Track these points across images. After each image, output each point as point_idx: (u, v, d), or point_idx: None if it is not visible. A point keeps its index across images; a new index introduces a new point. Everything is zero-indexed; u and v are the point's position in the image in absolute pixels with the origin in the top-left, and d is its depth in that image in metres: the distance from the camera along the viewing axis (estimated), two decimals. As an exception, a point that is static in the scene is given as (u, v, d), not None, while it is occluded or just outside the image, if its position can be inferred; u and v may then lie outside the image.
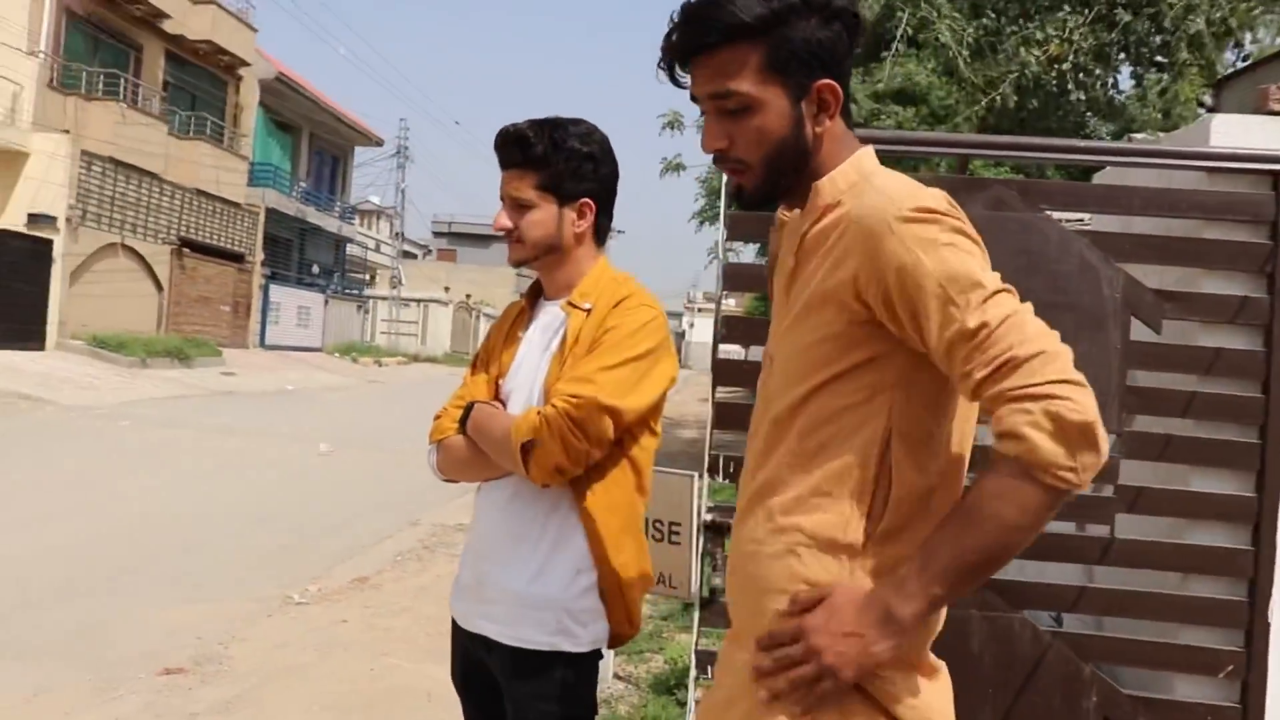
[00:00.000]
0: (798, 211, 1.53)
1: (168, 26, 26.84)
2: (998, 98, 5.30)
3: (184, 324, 27.09)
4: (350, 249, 41.92)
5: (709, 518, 2.64)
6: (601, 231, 2.22)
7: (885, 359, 1.42)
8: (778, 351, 1.54)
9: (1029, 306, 1.33)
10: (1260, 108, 2.70)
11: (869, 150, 1.51)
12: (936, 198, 1.39)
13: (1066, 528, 2.75)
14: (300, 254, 36.21)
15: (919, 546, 1.36)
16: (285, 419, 16.65)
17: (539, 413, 2.00)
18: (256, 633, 5.46)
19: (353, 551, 7.69)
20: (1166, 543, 2.64)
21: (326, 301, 37.29)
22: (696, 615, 2.66)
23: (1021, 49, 5.25)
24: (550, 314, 2.20)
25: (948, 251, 1.33)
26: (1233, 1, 5.21)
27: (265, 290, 32.23)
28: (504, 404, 2.18)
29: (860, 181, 1.45)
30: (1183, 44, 5.21)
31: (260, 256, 31.57)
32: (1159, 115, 5.78)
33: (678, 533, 4.15)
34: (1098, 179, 3.21)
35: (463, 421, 2.14)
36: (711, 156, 1.52)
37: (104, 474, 10.08)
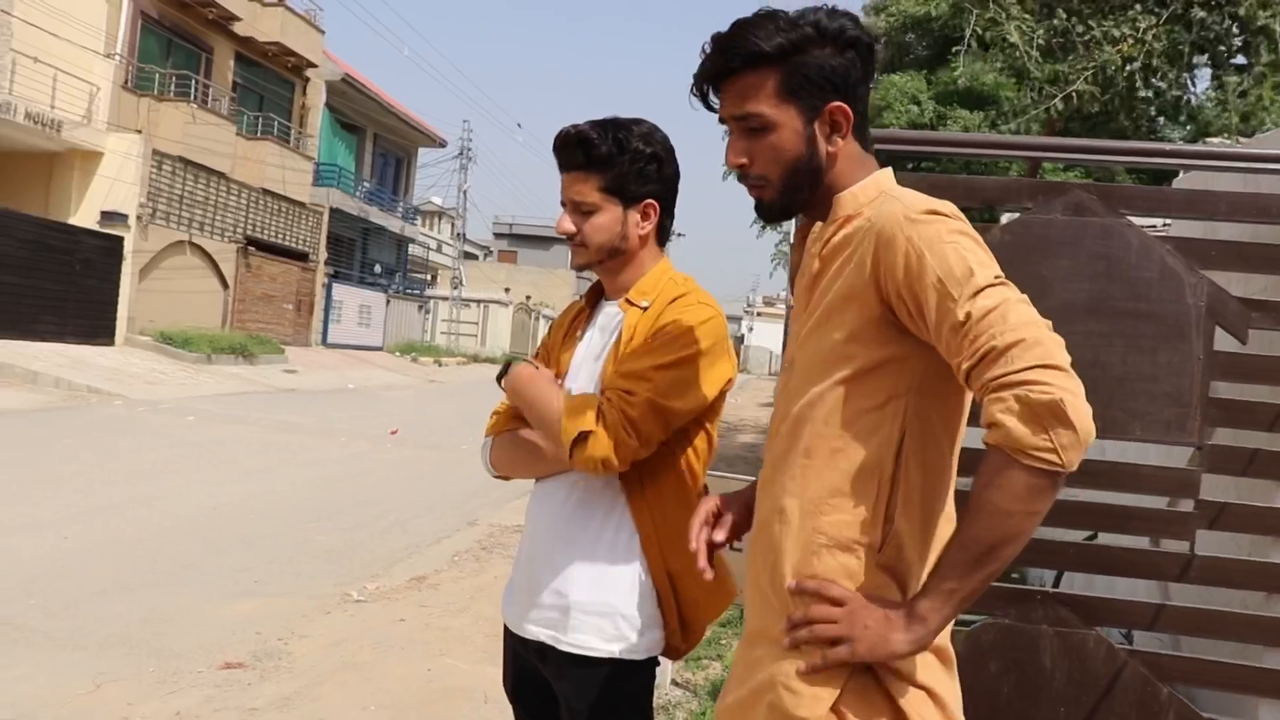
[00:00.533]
0: (819, 224, 1.62)
1: (238, 29, 27.36)
2: (1073, 95, 5.16)
3: (248, 321, 27.57)
4: (412, 249, 42.36)
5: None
6: (664, 232, 2.18)
7: (900, 363, 1.50)
8: (799, 355, 1.61)
9: (1022, 298, 1.39)
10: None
11: (888, 171, 1.64)
12: (945, 203, 1.49)
13: (1142, 542, 2.65)
14: (363, 253, 36.67)
15: (938, 560, 1.45)
16: (346, 416, 16.86)
17: (598, 405, 1.97)
18: (315, 629, 5.51)
19: (411, 551, 7.73)
20: (1250, 560, 2.53)
21: (388, 301, 37.68)
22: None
23: (1094, 48, 5.12)
24: (609, 314, 2.18)
25: (948, 248, 1.42)
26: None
27: (328, 289, 32.64)
28: None
29: (880, 195, 1.57)
30: (1263, 44, 5.04)
31: (324, 255, 32.00)
32: (1237, 119, 5.62)
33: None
34: (1178, 183, 3.10)
35: (500, 376, 2.14)
36: (735, 173, 1.65)
37: (169, 468, 10.27)
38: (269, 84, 29.92)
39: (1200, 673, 2.56)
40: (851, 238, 1.55)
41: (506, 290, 55.28)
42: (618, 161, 2.07)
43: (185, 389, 18.31)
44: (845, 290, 1.52)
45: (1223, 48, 5.40)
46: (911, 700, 1.50)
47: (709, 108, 1.66)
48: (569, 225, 2.12)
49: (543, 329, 61.28)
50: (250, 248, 27.76)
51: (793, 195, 1.60)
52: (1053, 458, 1.31)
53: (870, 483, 1.51)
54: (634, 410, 1.95)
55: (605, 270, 2.18)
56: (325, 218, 31.65)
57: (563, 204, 2.13)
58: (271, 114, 29.37)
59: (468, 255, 51.39)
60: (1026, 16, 5.25)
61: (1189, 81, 5.49)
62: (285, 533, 7.85)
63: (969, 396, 1.56)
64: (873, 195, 1.58)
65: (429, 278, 46.86)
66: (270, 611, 5.75)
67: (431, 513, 9.32)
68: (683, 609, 2.09)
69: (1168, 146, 2.77)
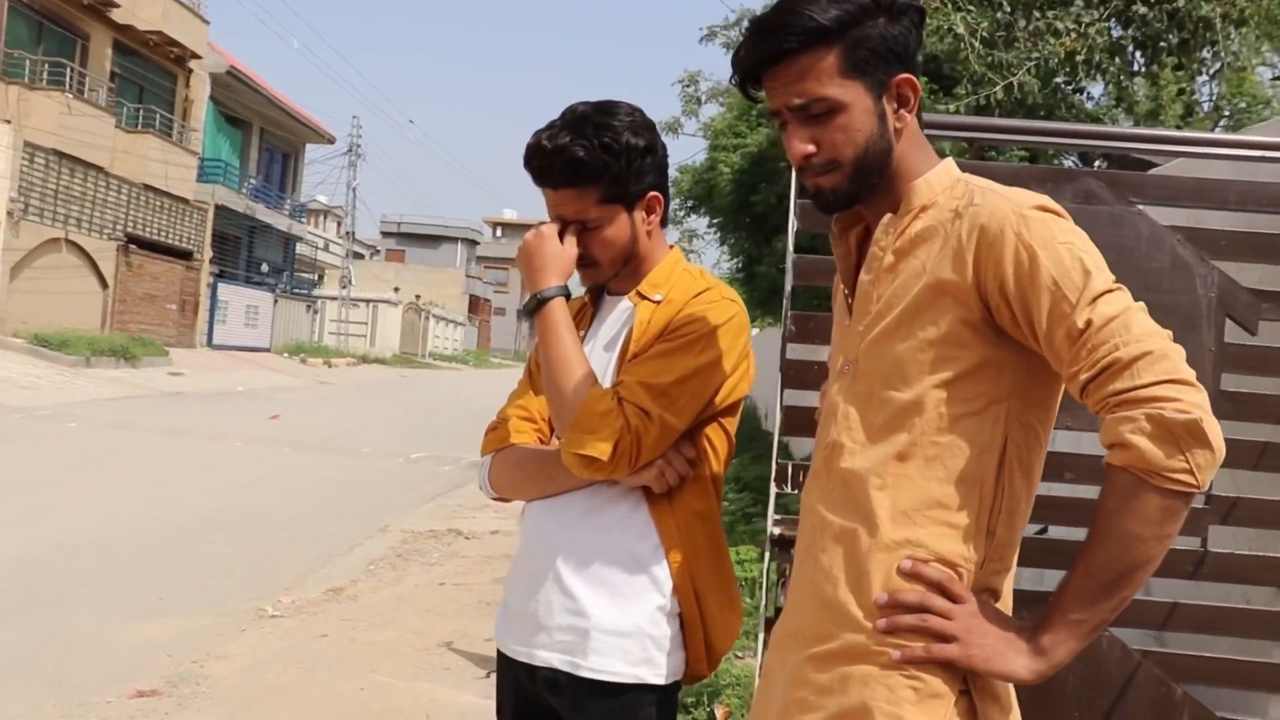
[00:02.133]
0: (889, 216, 1.50)
1: (116, 16, 26.10)
2: (1014, 84, 5.18)
3: (129, 322, 26.38)
4: (299, 248, 41.23)
5: (777, 531, 2.43)
6: (665, 219, 2.00)
7: (1000, 365, 1.41)
8: (865, 356, 1.49)
9: (1140, 306, 1.32)
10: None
11: (950, 159, 1.55)
12: (1049, 200, 1.41)
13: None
14: (249, 252, 35.51)
15: (1060, 590, 1.35)
16: (238, 420, 16.20)
17: (615, 427, 1.79)
18: (232, 649, 5.16)
19: (323, 561, 7.38)
20: (1262, 555, 2.48)
21: (275, 301, 36.65)
22: (761, 636, 2.44)
23: (1038, 40, 5.16)
24: (617, 309, 2.00)
25: (1064, 249, 1.34)
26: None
27: (213, 289, 31.59)
28: None
29: (957, 184, 1.47)
30: (1204, 39, 5.15)
31: (209, 254, 30.92)
32: (1178, 112, 5.72)
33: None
34: (1163, 171, 3.06)
35: (533, 308, 1.92)
36: (796, 166, 1.51)
37: (54, 479, 9.63)
38: (150, 74, 28.66)
39: (1213, 671, 2.49)
40: (934, 229, 1.44)
41: (396, 290, 54.36)
42: (612, 167, 1.86)
43: (64, 394, 17.33)
44: (936, 285, 1.41)
45: (1162, 43, 5.52)
46: None
47: (750, 99, 1.60)
48: (575, 249, 1.92)
49: (433, 329, 61.10)
50: (131, 246, 26.57)
51: (864, 180, 1.48)
52: (1189, 479, 1.24)
53: (973, 493, 1.42)
54: (648, 437, 1.79)
55: (620, 276, 1.99)
56: (210, 215, 30.54)
57: (557, 222, 1.94)
58: (153, 106, 28.14)
59: (355, 255, 50.25)
60: (971, 8, 5.25)
61: (1130, 74, 5.59)
62: (187, 546, 7.41)
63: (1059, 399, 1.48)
64: (947, 183, 1.48)
65: (316, 277, 45.65)
66: (180, 632, 5.37)
67: (340, 520, 8.95)
68: (708, 628, 1.91)
69: (1160, 133, 2.71)
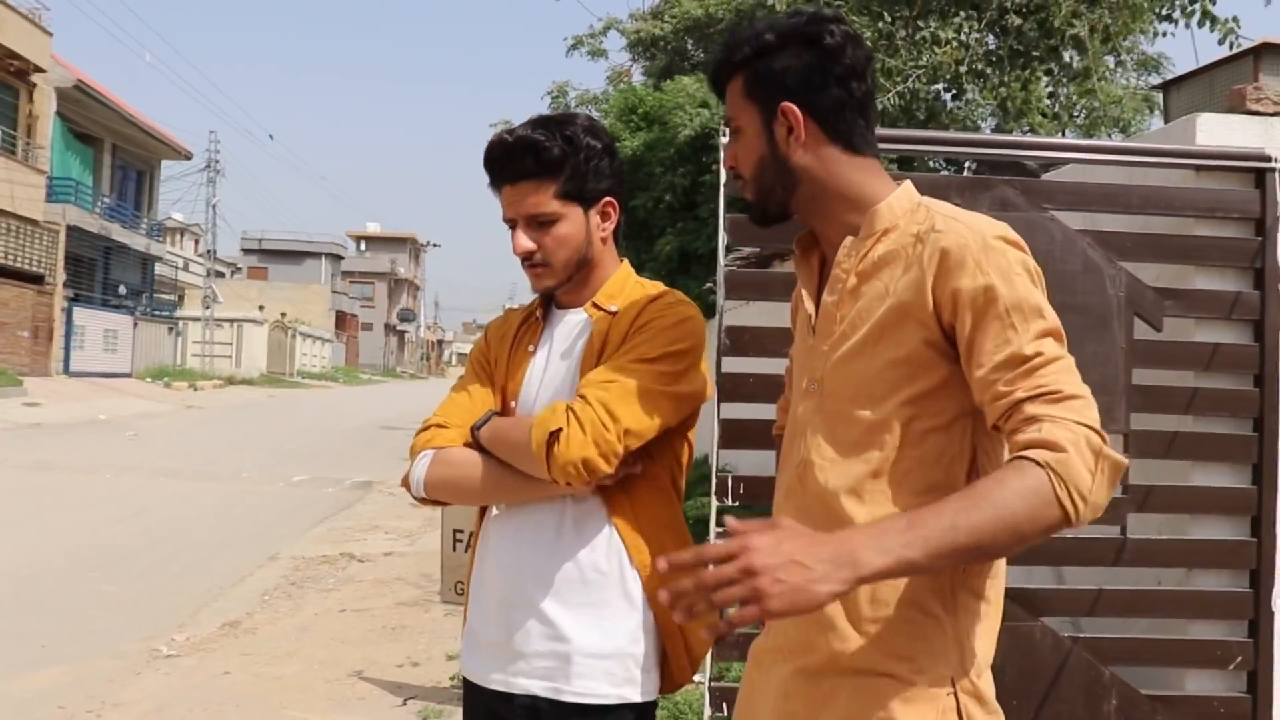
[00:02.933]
0: (850, 239, 1.55)
1: (-52, 28, 24.64)
2: (905, 92, 5.37)
3: (-23, 352, 24.90)
4: (159, 268, 39.58)
5: (722, 543, 2.45)
6: (618, 231, 2.00)
7: (963, 382, 1.44)
8: (831, 376, 1.53)
9: (1072, 360, 1.38)
10: (1238, 107, 2.75)
11: (909, 183, 1.59)
12: (1009, 229, 1.47)
13: (1077, 531, 2.70)
14: (105, 274, 33.87)
15: (915, 510, 1.29)
16: (105, 451, 15.44)
17: (567, 406, 1.78)
18: (129, 694, 4.91)
19: (214, 593, 7.09)
20: (1175, 540, 2.63)
21: (135, 324, 35.10)
22: (709, 650, 2.46)
23: (922, 48, 5.36)
24: (570, 322, 1.98)
25: (1019, 281, 1.39)
26: (1114, 11, 5.45)
27: (68, 313, 30.02)
28: None
29: (918, 208, 1.52)
30: (1069, 49, 5.44)
31: (62, 277, 29.37)
32: (1045, 119, 6.01)
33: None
34: (1055, 176, 3.21)
35: (476, 429, 1.90)
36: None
37: (-91, 523, 9.02)
38: (-11, 89, 27.13)
39: (1136, 652, 2.63)
40: (896, 253, 1.49)
41: (260, 308, 52.74)
42: (572, 160, 1.86)
43: (-92, 432, 16.24)
44: (899, 308, 1.46)
45: (1035, 53, 5.79)
46: None
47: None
48: (529, 244, 1.89)
49: (301, 346, 59.52)
50: (-25, 271, 25.06)
51: (765, 195, 1.59)
52: (1081, 511, 1.26)
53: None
54: (613, 401, 1.76)
55: (570, 284, 1.96)
56: (62, 236, 29.02)
57: (509, 223, 1.91)
58: (-7, 123, 26.63)
59: (217, 273, 48.55)
60: (853, 17, 5.41)
61: (1004, 83, 5.87)
62: (68, 586, 7.02)
63: None
64: (909, 207, 1.53)
65: (177, 298, 43.92)
66: (70, 679, 5.09)
67: (227, 549, 8.63)
68: (686, 635, 1.90)
69: (1061, 141, 2.85)
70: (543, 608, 1.85)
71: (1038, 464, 1.26)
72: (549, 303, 2.03)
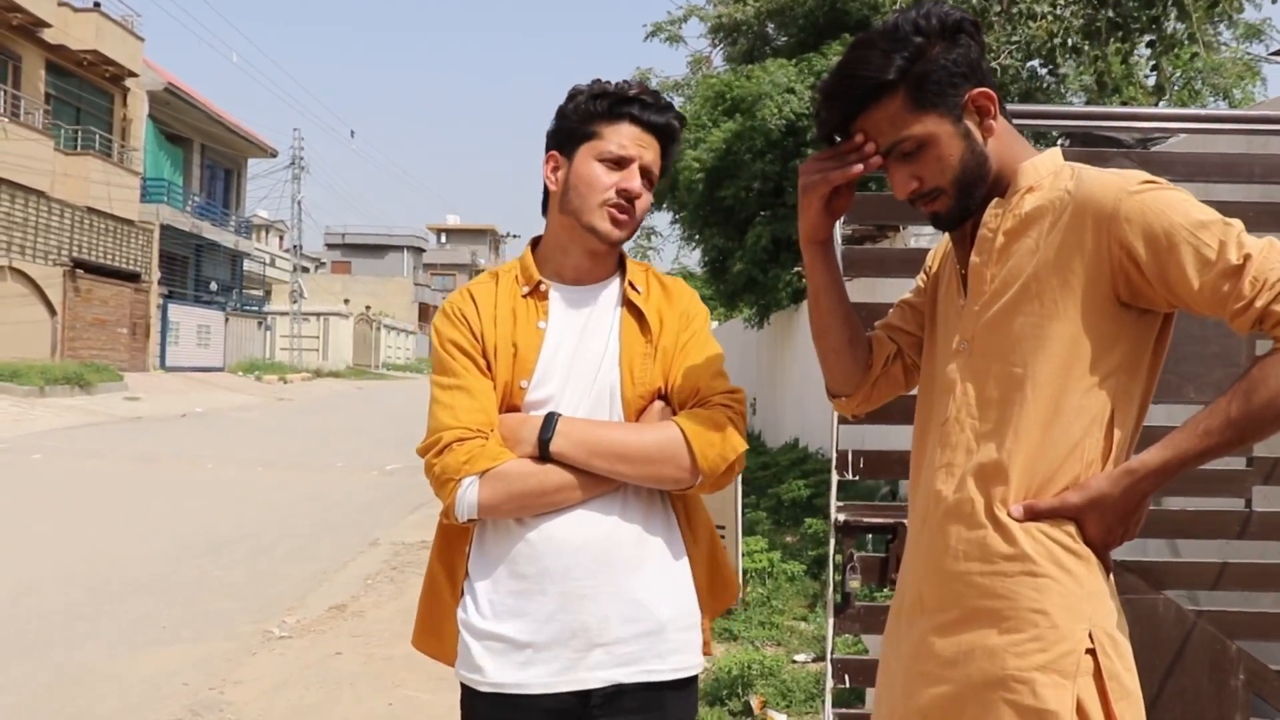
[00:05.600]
0: (996, 200, 1.57)
1: (48, 35, 25.56)
2: (997, 69, 5.29)
3: (80, 349, 25.85)
4: (247, 264, 40.67)
5: (842, 518, 2.48)
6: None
7: (1112, 340, 1.47)
8: (981, 333, 1.55)
9: (1271, 239, 1.41)
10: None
11: (1056, 149, 1.62)
12: (1151, 175, 1.48)
13: (1200, 504, 2.66)
14: (197, 271, 34.95)
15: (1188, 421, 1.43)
16: (204, 442, 15.97)
17: (724, 420, 1.81)
18: (248, 673, 5.10)
19: (319, 578, 7.31)
20: (1305, 514, 2.58)
21: (226, 319, 36.15)
22: (830, 622, 2.49)
23: (1018, 23, 5.28)
24: (586, 299, 1.89)
25: (1186, 205, 1.42)
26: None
27: (163, 310, 31.08)
28: (530, 407, 1.82)
29: (1063, 169, 1.54)
30: (1172, 16, 5.30)
31: (156, 275, 30.40)
32: (1148, 92, 5.86)
33: (723, 533, 3.99)
34: (1164, 148, 3.15)
35: (546, 441, 1.75)
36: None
37: (28, 514, 9.43)
38: (86, 94, 28.10)
39: (1264, 626, 2.58)
40: (1044, 209, 1.51)
41: (346, 302, 53.86)
42: (676, 148, 1.97)
43: (22, 425, 16.95)
44: (1050, 265, 1.48)
45: (1135, 24, 5.65)
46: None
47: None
48: (640, 187, 1.86)
49: (385, 339, 60.65)
50: (78, 270, 26.03)
51: (970, 195, 1.56)
52: None
53: (1079, 461, 1.49)
54: (741, 418, 1.84)
55: (609, 252, 1.90)
56: (156, 235, 30.03)
57: (621, 161, 1.83)
58: (91, 127, 27.59)
59: (302, 268, 49.69)
60: (947, -5, 5.33)
61: (1103, 57, 5.72)
62: (179, 571, 7.30)
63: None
64: (1054, 167, 1.55)
65: (264, 293, 45.09)
66: (191, 659, 5.30)
67: (328, 536, 8.87)
68: (714, 600, 1.94)
69: (1161, 111, 2.79)
70: (622, 591, 1.78)
71: None
72: (536, 282, 1.90)
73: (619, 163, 1.82)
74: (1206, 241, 1.39)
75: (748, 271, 11.10)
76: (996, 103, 1.54)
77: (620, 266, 1.93)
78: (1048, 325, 1.48)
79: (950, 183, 1.54)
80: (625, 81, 1.90)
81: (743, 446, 1.82)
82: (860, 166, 1.58)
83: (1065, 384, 1.48)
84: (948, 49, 1.51)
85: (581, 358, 1.84)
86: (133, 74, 29.02)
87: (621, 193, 1.81)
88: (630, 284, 1.88)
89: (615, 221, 1.82)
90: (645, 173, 1.84)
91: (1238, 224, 1.41)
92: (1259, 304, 1.37)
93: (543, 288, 1.87)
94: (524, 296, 1.86)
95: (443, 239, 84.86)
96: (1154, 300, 1.46)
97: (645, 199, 1.84)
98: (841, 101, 1.55)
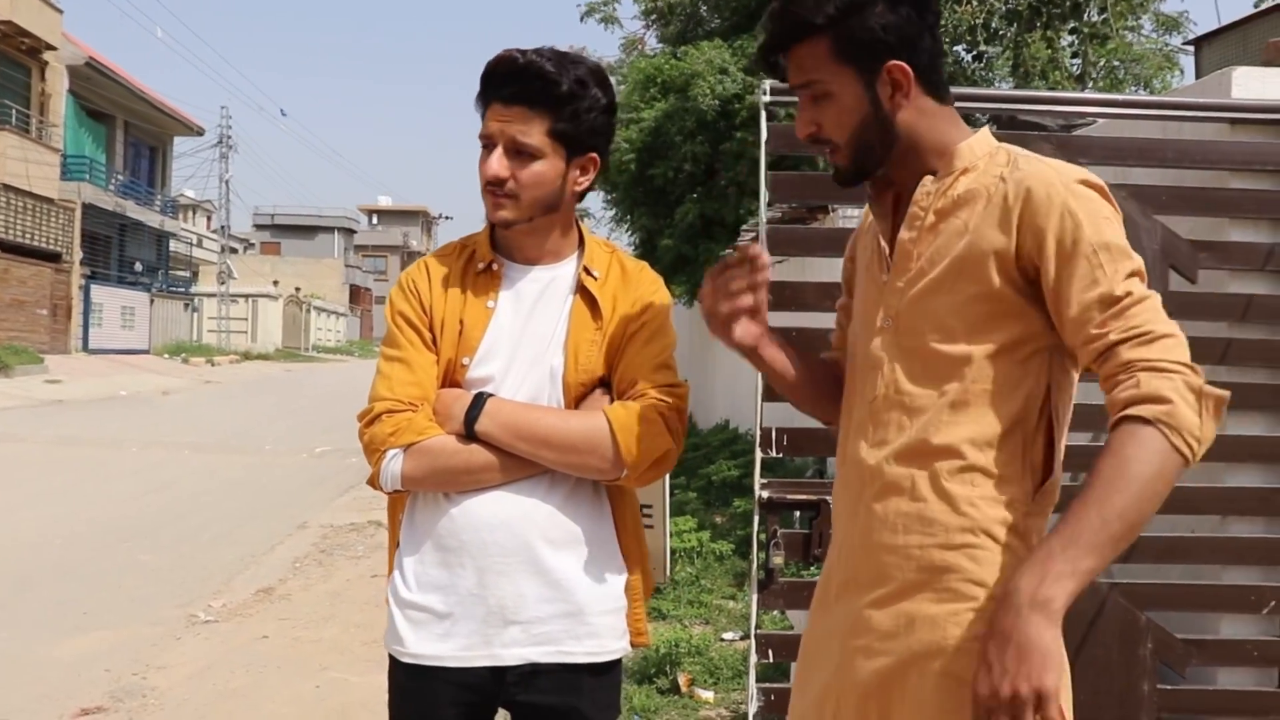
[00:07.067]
0: (929, 178, 1.56)
1: (-42, 7, 24.64)
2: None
3: (-2, 330, 25.09)
4: (173, 245, 39.73)
5: (765, 495, 2.51)
6: (587, 190, 1.93)
7: (1042, 319, 1.48)
8: (906, 311, 1.55)
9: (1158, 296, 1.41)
10: (1274, 61, 2.77)
11: (987, 130, 1.62)
12: (1094, 176, 1.49)
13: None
14: (121, 251, 34.02)
15: (1059, 525, 1.34)
16: (129, 425, 15.61)
17: (645, 406, 1.79)
18: (172, 658, 5.02)
19: (246, 562, 7.22)
20: (1210, 487, 2.67)
21: (151, 301, 35.34)
22: (754, 598, 2.52)
23: (942, 8, 5.35)
24: (540, 279, 1.87)
25: (1103, 223, 1.43)
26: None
27: (86, 291, 30.24)
28: (471, 384, 1.82)
29: (998, 151, 1.54)
30: (1093, 6, 5.43)
31: (79, 255, 29.54)
32: (1073, 78, 5.99)
33: (649, 515, 4.00)
34: (1087, 132, 3.23)
35: (472, 420, 1.75)
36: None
37: (-57, 497, 9.16)
38: (1, 68, 27.13)
39: (1172, 597, 2.68)
40: (977, 191, 1.51)
41: (275, 283, 52.91)
42: (574, 105, 1.76)
43: (-66, 409, 16.43)
44: (979, 245, 1.49)
45: (1057, 11, 5.76)
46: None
47: (779, 78, 1.64)
48: (501, 169, 1.75)
49: (315, 321, 59.68)
50: (-7, 250, 25.21)
51: (864, 157, 1.57)
52: (1196, 449, 1.32)
53: (1016, 435, 1.50)
54: (677, 416, 1.82)
55: (528, 230, 1.84)
56: (78, 214, 29.16)
57: (487, 141, 1.78)
58: (7, 101, 26.63)
59: (230, 249, 48.73)
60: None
61: (1029, 43, 5.83)
62: (103, 556, 7.15)
63: None
64: (989, 149, 1.55)
65: (191, 274, 44.11)
66: (113, 644, 5.20)
67: (255, 519, 8.76)
68: (645, 590, 1.94)
69: (1091, 96, 2.87)
70: (544, 570, 1.78)
71: (1148, 421, 1.31)
72: (499, 259, 1.89)
73: (487, 146, 1.79)
74: (1102, 264, 1.40)
75: (677, 248, 11.10)
76: (911, 80, 1.52)
77: (582, 246, 1.91)
78: (976, 305, 1.49)
79: (844, 142, 1.56)
80: (513, 52, 1.78)
81: (668, 444, 1.79)
82: (752, 298, 1.62)
83: (997, 360, 1.49)
84: (885, 13, 1.50)
85: (528, 338, 1.83)
86: (51, 47, 28.07)
87: (487, 180, 1.78)
88: (586, 268, 1.86)
89: (494, 205, 1.80)
90: (514, 146, 1.76)
91: (1136, 264, 1.42)
92: (1112, 338, 1.37)
93: (495, 266, 1.86)
94: (478, 274, 1.86)
95: (374, 220, 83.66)
96: (1046, 296, 1.47)
97: (527, 173, 1.77)
98: (775, 30, 1.57)
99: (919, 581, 1.50)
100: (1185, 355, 1.35)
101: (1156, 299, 1.40)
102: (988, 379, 1.49)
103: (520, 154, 1.76)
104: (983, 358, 1.49)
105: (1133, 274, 1.41)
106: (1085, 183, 1.47)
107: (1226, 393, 1.35)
